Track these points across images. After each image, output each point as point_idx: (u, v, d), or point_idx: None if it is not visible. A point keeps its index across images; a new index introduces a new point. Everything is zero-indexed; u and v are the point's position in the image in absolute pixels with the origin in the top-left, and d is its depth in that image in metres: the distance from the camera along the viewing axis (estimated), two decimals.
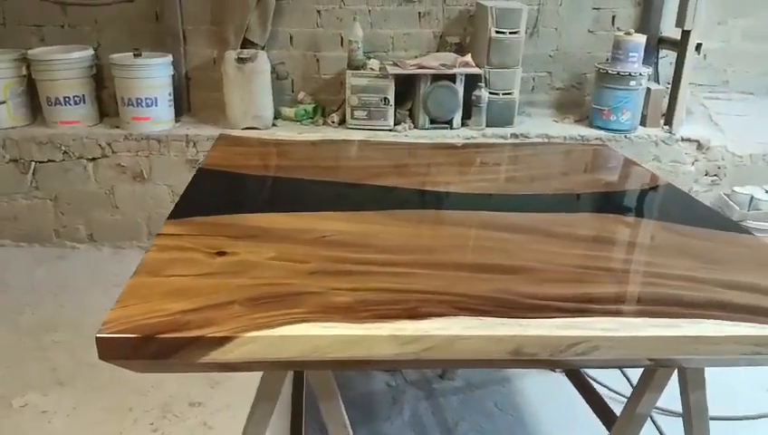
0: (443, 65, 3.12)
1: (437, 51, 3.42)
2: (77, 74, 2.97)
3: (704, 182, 3.37)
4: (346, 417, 1.35)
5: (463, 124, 3.28)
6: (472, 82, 3.18)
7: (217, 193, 1.61)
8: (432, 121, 3.23)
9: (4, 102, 2.96)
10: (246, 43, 3.23)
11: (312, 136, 2.28)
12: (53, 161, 3.01)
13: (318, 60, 3.40)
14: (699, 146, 3.29)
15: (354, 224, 1.45)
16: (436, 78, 3.12)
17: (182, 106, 3.31)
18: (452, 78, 3.13)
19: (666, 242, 1.44)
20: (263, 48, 3.25)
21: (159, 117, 3.03)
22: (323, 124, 3.28)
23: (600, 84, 3.24)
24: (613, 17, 3.46)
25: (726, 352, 1.08)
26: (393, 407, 2.12)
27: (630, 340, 1.04)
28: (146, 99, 2.96)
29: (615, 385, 2.22)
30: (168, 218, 1.41)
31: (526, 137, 3.22)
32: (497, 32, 3.13)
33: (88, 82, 3.03)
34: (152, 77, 2.96)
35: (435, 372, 2.32)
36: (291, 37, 3.35)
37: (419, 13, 3.37)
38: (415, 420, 2.06)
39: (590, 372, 2.26)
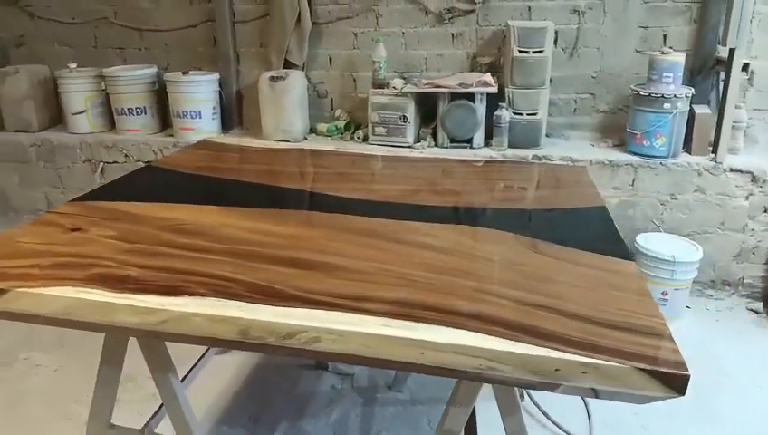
0: (461, 84, 3.12)
1: (471, 71, 3.42)
2: (139, 89, 3.45)
3: (762, 220, 2.96)
4: (178, 389, 1.46)
5: (486, 144, 3.24)
6: (497, 102, 3.15)
7: (132, 185, 1.83)
8: (452, 140, 3.23)
9: (84, 111, 3.52)
10: (288, 64, 3.51)
11: (288, 146, 2.44)
12: (117, 163, 3.51)
13: (354, 79, 3.57)
14: (754, 178, 2.90)
15: (217, 216, 1.56)
16: (455, 97, 3.13)
17: (232, 120, 3.67)
18: (471, 97, 3.12)
19: (506, 258, 1.37)
20: (302, 68, 3.51)
21: (203, 128, 3.39)
22: (350, 140, 3.43)
23: (634, 107, 3.02)
24: (664, 36, 3.20)
25: (457, 363, 1.03)
26: (325, 408, 2.17)
27: (350, 334, 1.05)
28: (191, 111, 3.35)
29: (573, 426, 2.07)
30: (70, 201, 1.65)
31: (549, 159, 3.09)
32: (520, 51, 3.06)
33: (149, 97, 3.50)
34: (196, 92, 3.34)
35: (386, 382, 2.33)
36: (330, 58, 3.56)
37: (452, 34, 3.40)
38: (339, 423, 2.10)
39: (547, 409, 2.14)
